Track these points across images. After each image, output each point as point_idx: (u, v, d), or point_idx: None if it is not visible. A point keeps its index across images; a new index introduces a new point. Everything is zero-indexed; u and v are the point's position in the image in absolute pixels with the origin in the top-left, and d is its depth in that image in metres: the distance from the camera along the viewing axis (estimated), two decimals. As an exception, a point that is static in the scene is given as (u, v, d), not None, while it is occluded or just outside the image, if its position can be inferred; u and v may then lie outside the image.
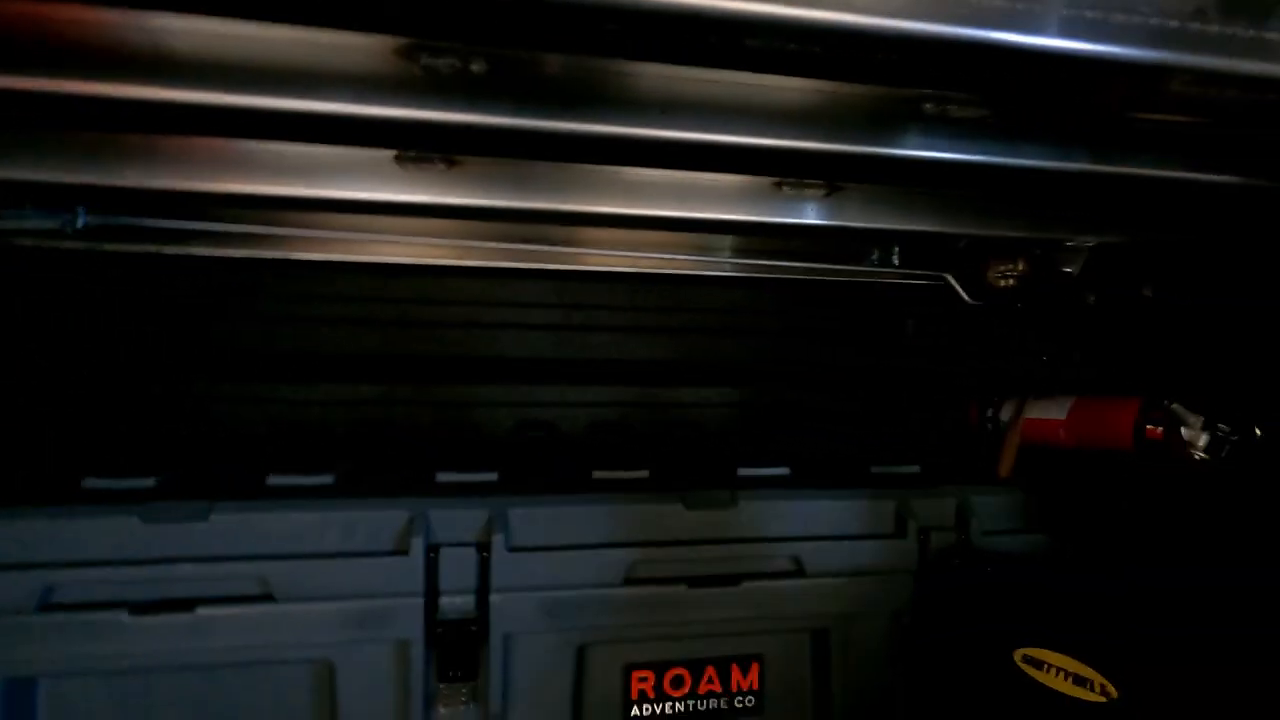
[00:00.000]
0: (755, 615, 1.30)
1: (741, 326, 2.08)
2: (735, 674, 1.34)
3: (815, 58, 0.92)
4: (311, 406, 1.83)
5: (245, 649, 1.13)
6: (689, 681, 1.32)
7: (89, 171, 1.23)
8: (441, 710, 1.19)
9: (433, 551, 1.17)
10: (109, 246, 1.59)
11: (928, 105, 1.04)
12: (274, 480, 1.27)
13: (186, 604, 1.10)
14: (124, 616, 1.08)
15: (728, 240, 1.81)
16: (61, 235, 1.54)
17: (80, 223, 1.50)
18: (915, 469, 1.53)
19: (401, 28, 0.82)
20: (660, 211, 1.40)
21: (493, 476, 1.33)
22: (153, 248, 1.61)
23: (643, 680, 1.31)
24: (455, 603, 1.17)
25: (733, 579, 1.28)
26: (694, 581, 1.26)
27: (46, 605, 1.08)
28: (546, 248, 1.71)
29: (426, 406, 1.92)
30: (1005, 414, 1.73)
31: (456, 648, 1.18)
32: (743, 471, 1.44)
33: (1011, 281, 1.82)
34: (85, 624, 1.07)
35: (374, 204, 1.33)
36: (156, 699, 1.14)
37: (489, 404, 1.93)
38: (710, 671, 1.33)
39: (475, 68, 0.90)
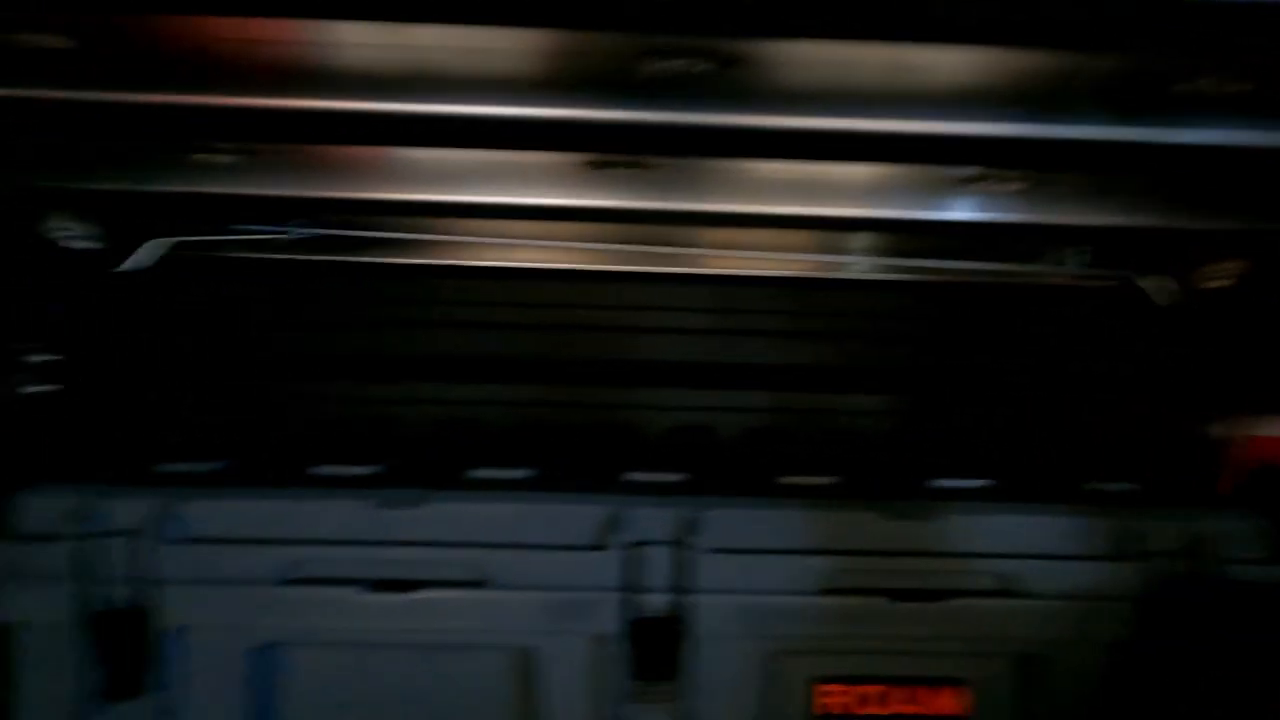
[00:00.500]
0: (958, 635, 1.23)
1: (902, 332, 1.99)
2: (933, 697, 1.27)
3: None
4: (473, 406, 1.92)
5: (458, 631, 1.20)
6: (883, 701, 1.26)
7: (299, 185, 1.37)
8: (637, 706, 1.20)
9: (631, 548, 1.19)
10: (305, 256, 1.76)
11: (1180, 82, 0.94)
12: (476, 474, 1.35)
13: (411, 585, 1.18)
14: (359, 594, 1.17)
15: (888, 243, 1.74)
16: (272, 246, 1.73)
17: (294, 234, 1.67)
18: (1132, 487, 1.39)
19: (646, 26, 0.84)
20: (844, 211, 1.37)
21: (679, 477, 1.33)
22: (343, 257, 1.76)
23: (832, 695, 1.26)
24: (653, 600, 1.18)
25: (935, 595, 1.21)
26: (894, 595, 1.20)
27: (292, 579, 1.19)
28: (703, 252, 1.71)
29: (582, 408, 1.97)
30: (1224, 428, 1.55)
31: (653, 645, 1.19)
32: (937, 483, 1.36)
33: (1227, 281, 1.63)
34: (325, 598, 1.18)
35: (562, 209, 1.38)
36: (379, 672, 1.23)
37: (644, 407, 1.95)
38: (906, 692, 1.26)
39: (699, 69, 0.92)
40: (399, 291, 1.91)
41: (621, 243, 1.71)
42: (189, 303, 1.79)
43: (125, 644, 1.20)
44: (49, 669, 1.23)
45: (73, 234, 1.64)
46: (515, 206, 1.40)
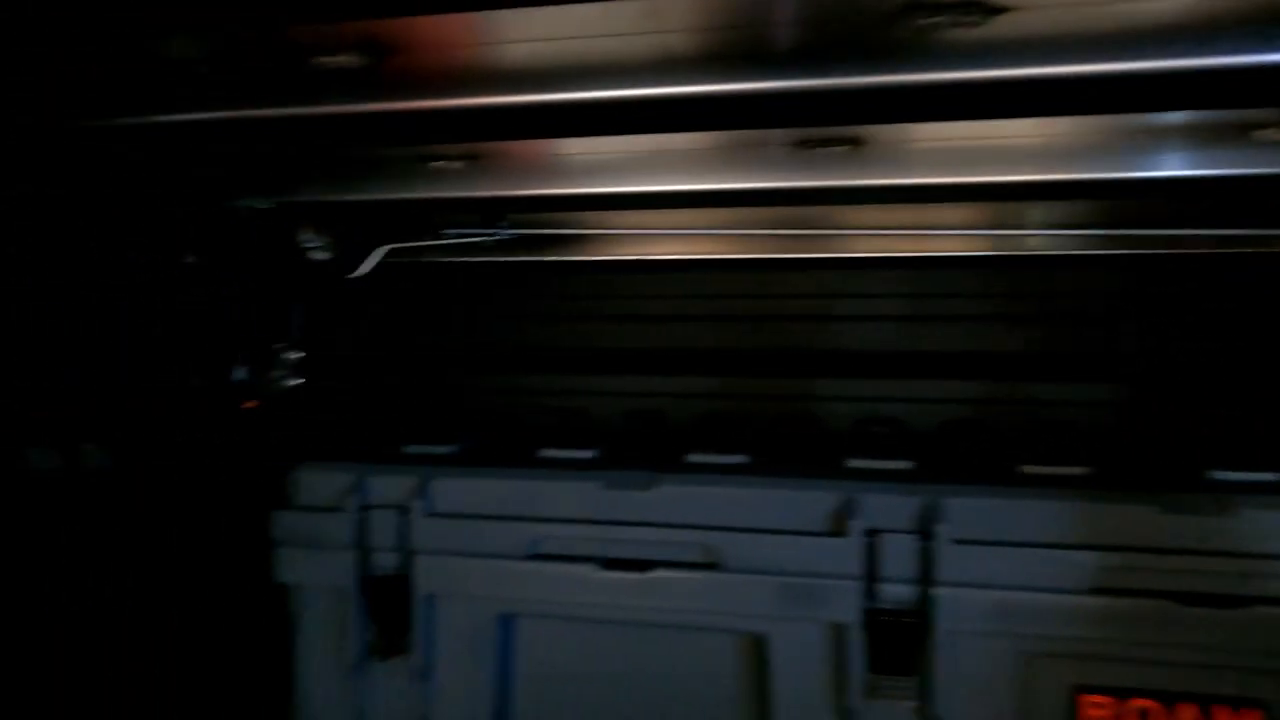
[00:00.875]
0: (1259, 648, 1.06)
1: (1123, 312, 1.77)
2: (1220, 717, 1.11)
3: None
4: (656, 398, 1.94)
5: (689, 612, 1.21)
6: (1157, 718, 1.13)
7: (507, 186, 1.43)
8: (876, 702, 1.16)
9: (869, 536, 1.14)
10: (507, 258, 1.86)
11: None
12: (694, 458, 1.36)
13: (643, 565, 1.21)
14: (596, 571, 1.22)
15: (1100, 211, 1.55)
16: (479, 249, 1.84)
17: (498, 236, 1.76)
18: None
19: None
20: (1071, 176, 1.23)
21: (908, 465, 1.27)
22: (541, 256, 1.84)
23: (1098, 707, 1.14)
24: (894, 591, 1.13)
25: (1232, 600, 1.06)
26: (1180, 598, 1.07)
27: (534, 555, 1.26)
28: (891, 232, 1.61)
29: (766, 400, 1.93)
30: None
31: (893, 638, 1.13)
32: (1217, 475, 1.20)
33: None
34: (564, 574, 1.23)
35: (770, 193, 1.35)
36: (611, 649, 1.27)
37: (830, 398, 1.89)
38: (1187, 710, 1.11)
39: (971, 19, 0.86)
40: (592, 287, 1.98)
41: (808, 228, 1.66)
42: (409, 303, 1.96)
43: (390, 607, 1.33)
44: (324, 626, 1.38)
45: (314, 244, 1.84)
46: (715, 193, 1.39)
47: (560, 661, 1.30)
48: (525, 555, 1.27)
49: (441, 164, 1.37)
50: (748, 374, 1.92)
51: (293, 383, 1.82)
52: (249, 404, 1.71)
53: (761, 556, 1.17)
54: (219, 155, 1.42)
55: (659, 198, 1.46)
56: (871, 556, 1.14)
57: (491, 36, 0.95)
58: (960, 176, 1.28)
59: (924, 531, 1.13)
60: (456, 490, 1.31)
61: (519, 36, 0.95)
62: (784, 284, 1.93)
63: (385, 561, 1.31)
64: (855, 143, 1.23)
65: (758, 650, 1.21)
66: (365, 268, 1.93)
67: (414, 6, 0.88)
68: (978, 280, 1.80)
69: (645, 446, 1.52)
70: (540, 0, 0.89)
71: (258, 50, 1.01)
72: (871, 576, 1.14)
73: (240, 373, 1.73)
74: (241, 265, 1.73)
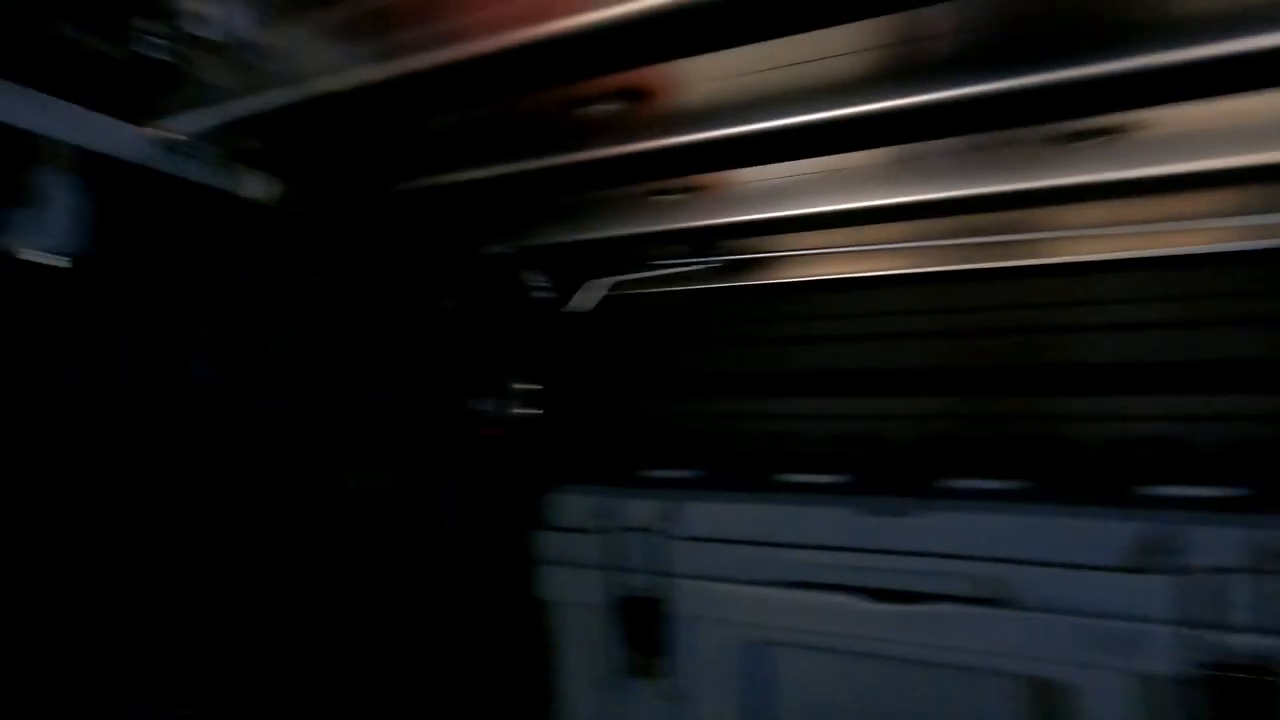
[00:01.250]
0: None
1: None
2: None
3: None
4: (880, 420, 1.83)
5: (966, 650, 1.11)
6: None
7: (713, 216, 1.44)
8: (1213, 771, 0.99)
9: (1193, 574, 0.99)
10: (710, 285, 1.87)
11: None
12: (957, 484, 1.26)
13: (911, 596, 1.14)
14: (857, 601, 1.17)
15: None
16: (682, 278, 1.87)
17: (713, 263, 1.78)
18: None
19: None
20: None
21: (1230, 492, 1.08)
22: (742, 281, 1.83)
23: None
24: (1230, 641, 0.96)
25: None
26: None
27: (787, 581, 1.23)
28: (1138, 228, 1.40)
29: (1005, 420, 1.75)
30: None
31: (1235, 700, 0.96)
32: None
33: None
34: (820, 603, 1.19)
35: (1037, 193, 1.24)
36: (873, 684, 1.20)
37: (1079, 418, 1.66)
38: None
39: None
40: (807, 307, 1.94)
41: (1040, 230, 1.50)
42: (628, 333, 2.05)
43: (642, 628, 1.37)
44: (582, 642, 1.45)
45: (545, 284, 1.99)
46: (951, 200, 1.31)
47: (817, 693, 1.26)
48: (778, 581, 1.25)
49: (662, 198, 1.43)
50: (973, 393, 1.77)
51: (529, 412, 1.98)
52: (492, 432, 1.87)
53: (1056, 593, 1.05)
54: (474, 208, 1.59)
55: (879, 212, 1.40)
56: (1197, 599, 0.98)
57: (745, 68, 0.97)
58: (1236, 158, 1.10)
59: (1271, 571, 0.95)
60: (707, 514, 1.32)
61: (766, 65, 0.96)
62: (1014, 293, 1.76)
63: (638, 583, 1.36)
64: (1116, 131, 1.11)
65: (1051, 697, 1.08)
66: (590, 302, 2.06)
67: (666, 53, 0.92)
68: (1258, 277, 1.52)
69: (873, 469, 1.45)
70: (786, 29, 0.90)
71: (520, 112, 1.12)
72: (1205, 623, 0.97)
73: (484, 404, 1.90)
74: (486, 306, 1.91)
